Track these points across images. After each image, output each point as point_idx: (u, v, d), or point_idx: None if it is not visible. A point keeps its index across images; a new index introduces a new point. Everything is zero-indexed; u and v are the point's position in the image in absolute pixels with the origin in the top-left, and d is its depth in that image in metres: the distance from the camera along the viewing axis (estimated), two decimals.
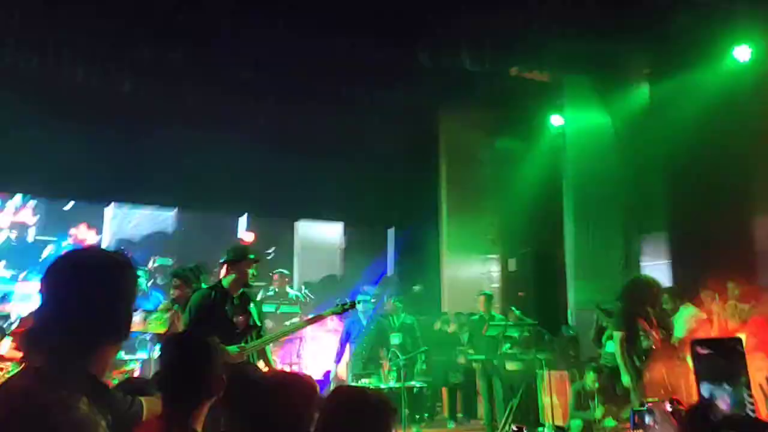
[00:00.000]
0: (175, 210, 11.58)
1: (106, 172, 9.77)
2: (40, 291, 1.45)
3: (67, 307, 1.40)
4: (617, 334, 5.64)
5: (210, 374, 2.05)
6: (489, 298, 8.18)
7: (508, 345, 8.09)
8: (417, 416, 6.88)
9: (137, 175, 10.03)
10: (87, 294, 1.41)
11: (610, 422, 6.81)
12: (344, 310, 5.00)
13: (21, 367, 1.43)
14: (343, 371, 7.81)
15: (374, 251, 12.36)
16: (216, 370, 2.07)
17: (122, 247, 9.97)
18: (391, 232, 12.80)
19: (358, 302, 5.77)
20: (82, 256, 1.56)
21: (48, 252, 10.46)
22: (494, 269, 11.72)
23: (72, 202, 10.88)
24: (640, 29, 8.36)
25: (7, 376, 3.95)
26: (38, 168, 9.42)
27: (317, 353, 9.54)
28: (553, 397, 7.77)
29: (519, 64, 9.49)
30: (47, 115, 8.79)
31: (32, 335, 1.40)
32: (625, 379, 5.56)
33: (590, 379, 7.07)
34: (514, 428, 3.03)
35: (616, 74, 9.38)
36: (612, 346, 5.96)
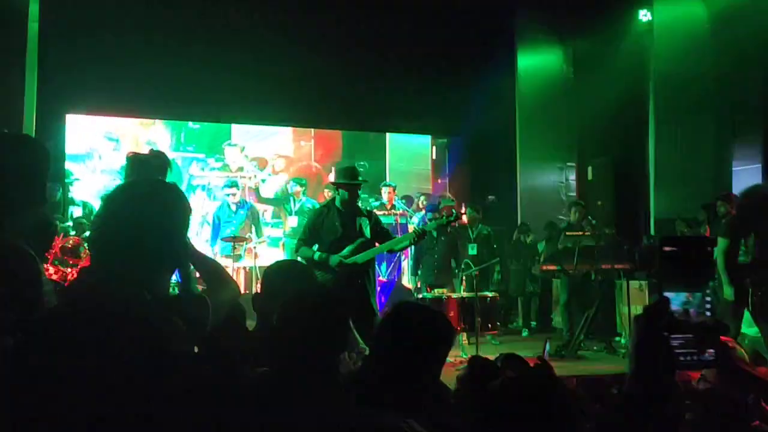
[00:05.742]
0: None
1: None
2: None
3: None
4: (722, 242, 4.93)
5: None
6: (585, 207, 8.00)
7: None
8: (489, 325, 6.87)
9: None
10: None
11: None
12: (417, 241, 5.06)
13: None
14: (409, 282, 7.86)
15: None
16: None
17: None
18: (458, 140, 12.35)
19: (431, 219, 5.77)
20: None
21: None
22: (572, 178, 11.32)
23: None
24: None
25: None
26: None
27: (388, 265, 9.66)
28: (632, 308, 7.59)
29: None
30: None
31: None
32: (728, 292, 5.09)
33: None
34: None
35: None
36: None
